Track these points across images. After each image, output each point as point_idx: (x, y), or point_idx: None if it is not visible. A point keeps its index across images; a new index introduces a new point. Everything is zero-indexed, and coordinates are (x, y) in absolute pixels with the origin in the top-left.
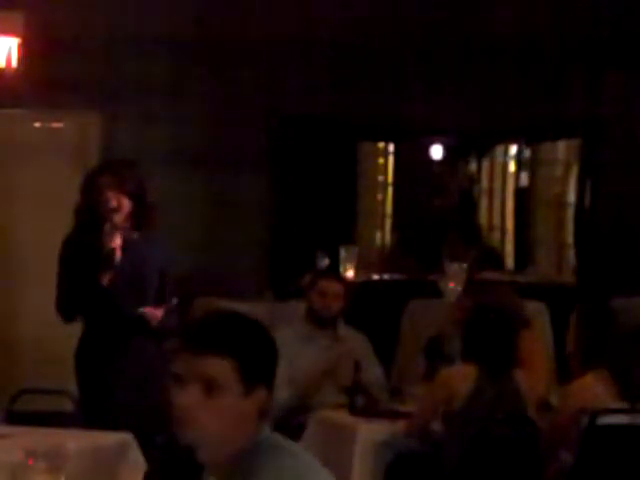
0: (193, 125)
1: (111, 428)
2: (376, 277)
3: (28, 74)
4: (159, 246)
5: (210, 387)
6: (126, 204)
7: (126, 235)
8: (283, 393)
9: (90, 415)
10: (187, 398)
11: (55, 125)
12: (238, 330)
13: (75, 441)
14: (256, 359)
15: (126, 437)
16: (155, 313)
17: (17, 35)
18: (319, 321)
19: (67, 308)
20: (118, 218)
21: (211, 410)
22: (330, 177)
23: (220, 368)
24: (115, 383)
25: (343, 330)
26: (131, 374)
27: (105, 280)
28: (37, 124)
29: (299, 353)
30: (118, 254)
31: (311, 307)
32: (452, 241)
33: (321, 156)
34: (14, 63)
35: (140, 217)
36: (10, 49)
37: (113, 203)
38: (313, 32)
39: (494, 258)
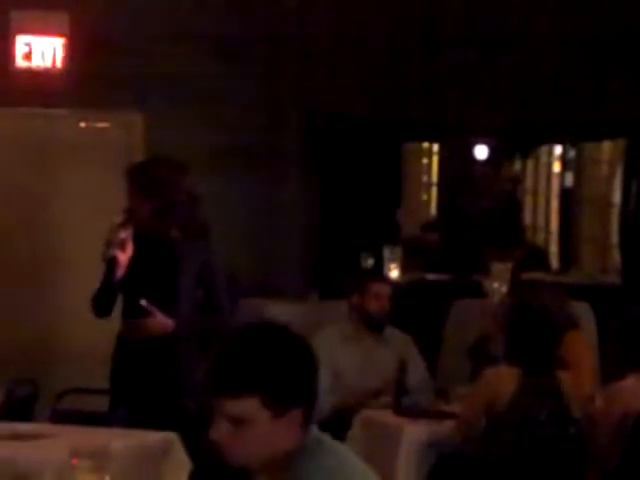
0: (237, 125)
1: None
2: (420, 277)
3: (73, 74)
4: (199, 248)
5: (237, 423)
6: (142, 204)
7: (145, 234)
8: (327, 397)
9: (120, 415)
10: (217, 433)
11: (100, 125)
12: (259, 364)
13: (120, 440)
14: (282, 388)
15: (171, 436)
16: (154, 309)
17: (62, 35)
18: (373, 324)
19: (94, 304)
20: (137, 219)
21: (243, 441)
22: (374, 177)
23: (244, 407)
24: (145, 383)
25: (388, 331)
26: (162, 375)
27: (116, 276)
28: (82, 124)
29: (343, 354)
30: (126, 252)
31: (363, 309)
32: (496, 241)
33: (366, 156)
34: (59, 63)
35: (163, 216)
36: (55, 49)
37: (128, 205)
38: (359, 32)
39: (539, 258)
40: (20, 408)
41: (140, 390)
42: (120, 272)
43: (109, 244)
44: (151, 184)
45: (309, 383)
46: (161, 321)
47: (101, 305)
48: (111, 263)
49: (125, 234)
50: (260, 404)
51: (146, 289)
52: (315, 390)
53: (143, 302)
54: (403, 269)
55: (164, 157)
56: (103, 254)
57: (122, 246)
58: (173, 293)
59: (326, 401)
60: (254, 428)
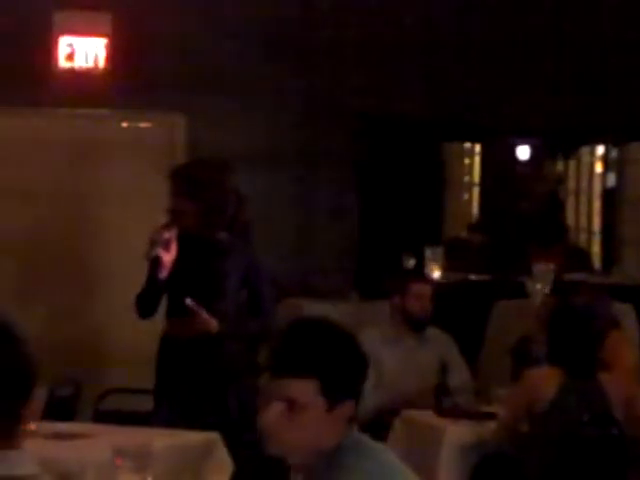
0: (279, 125)
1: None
2: (462, 278)
3: (115, 74)
4: (244, 249)
5: (293, 406)
6: (186, 206)
7: (188, 234)
8: (370, 398)
9: (163, 414)
10: (270, 415)
11: (142, 125)
12: (321, 349)
13: (162, 440)
14: (340, 376)
15: (213, 436)
16: (200, 308)
17: (105, 36)
18: (414, 324)
19: (137, 304)
20: (182, 220)
21: (294, 427)
22: (416, 177)
23: (302, 389)
24: (189, 383)
25: (430, 331)
26: (206, 375)
27: (160, 276)
28: (124, 124)
29: (385, 354)
30: (170, 252)
31: (405, 310)
32: (538, 241)
33: (407, 156)
34: (102, 63)
35: (208, 217)
36: (98, 50)
37: (171, 207)
38: (399, 32)
39: (582, 259)
40: (63, 408)
41: (184, 390)
42: (164, 272)
43: (153, 244)
44: (195, 186)
45: (361, 378)
46: (206, 320)
47: (144, 305)
48: (155, 263)
49: (169, 234)
50: (318, 389)
51: (191, 289)
52: (362, 387)
53: (188, 301)
54: (445, 269)
55: (208, 158)
56: (146, 253)
57: (166, 246)
58: (218, 293)
59: (369, 402)
60: (307, 414)
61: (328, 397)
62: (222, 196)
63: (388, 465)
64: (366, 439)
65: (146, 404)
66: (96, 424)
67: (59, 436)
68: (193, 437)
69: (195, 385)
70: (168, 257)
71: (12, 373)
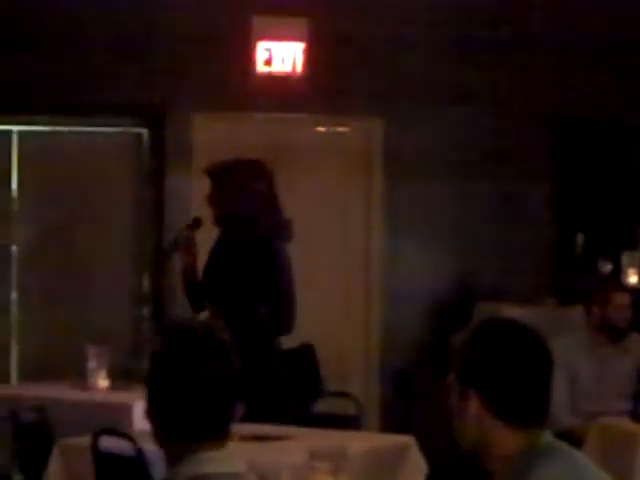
0: (477, 128)
1: None
2: None
3: (313, 79)
4: (265, 253)
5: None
6: (211, 208)
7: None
8: (565, 412)
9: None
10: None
11: (340, 130)
12: (463, 346)
13: (356, 443)
14: (468, 364)
15: (407, 440)
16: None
17: (302, 40)
18: (615, 333)
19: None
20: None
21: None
22: (613, 181)
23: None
24: None
25: (630, 338)
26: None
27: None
28: (321, 128)
29: (580, 362)
30: (188, 252)
31: (605, 319)
32: None
33: (604, 160)
34: (299, 68)
35: (224, 220)
36: (295, 54)
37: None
38: (593, 32)
39: None
40: None
41: None
42: (188, 271)
43: (174, 241)
44: (213, 190)
45: (496, 373)
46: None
47: (189, 301)
48: (188, 267)
49: (187, 233)
50: (454, 375)
51: (211, 290)
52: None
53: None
54: None
55: (234, 159)
56: (165, 250)
57: (185, 245)
58: (232, 294)
59: (564, 416)
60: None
61: (460, 383)
62: (238, 200)
63: (581, 468)
64: (561, 444)
65: (344, 407)
66: (293, 426)
67: (257, 438)
68: (387, 440)
69: None
70: (186, 256)
71: (222, 379)
